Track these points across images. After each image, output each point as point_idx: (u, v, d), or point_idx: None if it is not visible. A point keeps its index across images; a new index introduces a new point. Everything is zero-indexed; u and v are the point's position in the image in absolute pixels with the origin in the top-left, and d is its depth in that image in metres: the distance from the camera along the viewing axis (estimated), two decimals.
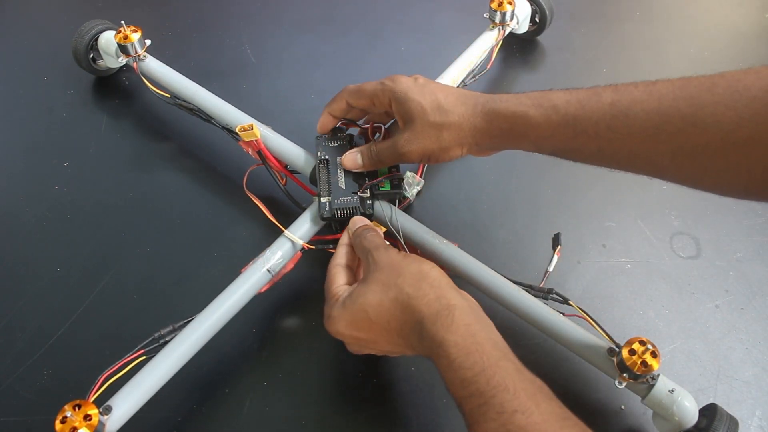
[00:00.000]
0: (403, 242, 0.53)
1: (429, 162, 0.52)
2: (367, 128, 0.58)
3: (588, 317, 0.49)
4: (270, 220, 0.56)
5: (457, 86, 0.66)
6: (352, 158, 0.54)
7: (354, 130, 0.59)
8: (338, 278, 0.48)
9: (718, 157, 0.38)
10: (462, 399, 0.37)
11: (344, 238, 0.51)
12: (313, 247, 0.55)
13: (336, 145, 0.57)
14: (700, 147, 0.38)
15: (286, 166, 0.60)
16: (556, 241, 0.55)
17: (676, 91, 0.39)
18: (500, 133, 0.47)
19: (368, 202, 0.54)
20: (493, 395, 0.36)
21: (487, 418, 0.35)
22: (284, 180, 0.60)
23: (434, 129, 0.48)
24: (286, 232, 0.54)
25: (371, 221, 0.56)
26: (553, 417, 0.35)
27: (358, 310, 0.43)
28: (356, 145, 0.57)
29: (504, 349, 0.39)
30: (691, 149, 0.39)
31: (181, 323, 0.49)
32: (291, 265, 0.55)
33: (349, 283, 0.48)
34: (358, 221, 0.52)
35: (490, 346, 0.39)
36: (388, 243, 0.49)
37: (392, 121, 0.58)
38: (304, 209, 0.57)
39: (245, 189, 0.61)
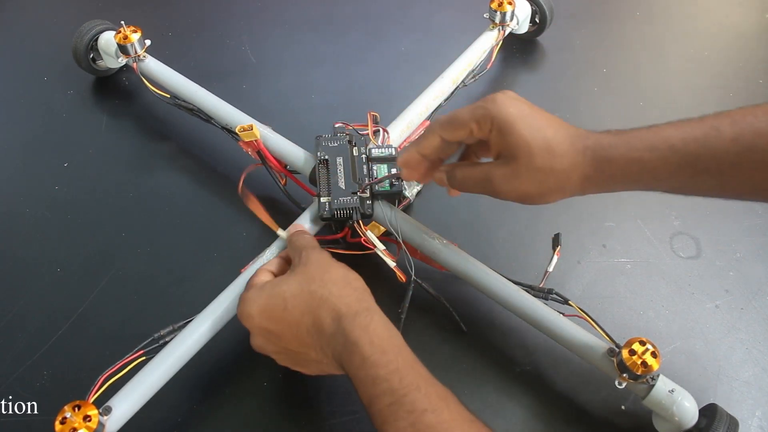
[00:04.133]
0: (402, 242, 0.53)
1: (523, 203, 0.45)
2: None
3: (588, 317, 0.49)
4: (266, 222, 0.56)
5: (457, 87, 0.66)
6: (436, 176, 0.48)
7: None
8: (261, 275, 0.48)
9: None
10: (372, 398, 0.38)
11: (282, 252, 0.52)
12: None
13: (336, 145, 0.57)
14: None
15: (285, 166, 0.60)
16: (556, 241, 0.55)
17: None
18: (610, 180, 0.42)
19: (368, 202, 0.54)
20: (404, 394, 0.37)
21: (397, 417, 0.36)
22: (284, 180, 0.60)
23: (539, 173, 0.42)
24: (281, 232, 0.54)
25: (371, 221, 0.56)
26: (461, 417, 0.37)
27: (275, 295, 0.43)
28: (356, 145, 0.57)
29: (416, 358, 0.40)
30: None
31: (180, 323, 0.49)
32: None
33: None
34: (296, 227, 0.53)
35: (406, 350, 0.40)
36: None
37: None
38: (303, 209, 0.57)
39: (239, 191, 0.60)
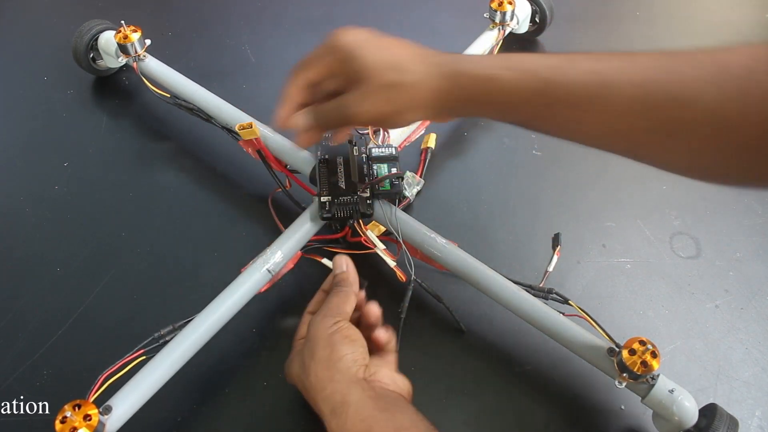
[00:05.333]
0: (402, 242, 0.53)
1: (383, 126, 0.47)
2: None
3: (588, 317, 0.49)
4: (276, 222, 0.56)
5: None
6: (295, 118, 0.47)
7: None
8: (302, 328, 0.49)
9: (697, 135, 0.35)
10: None
11: (325, 284, 0.51)
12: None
13: (336, 144, 0.57)
14: (682, 123, 0.36)
15: (285, 166, 0.60)
16: (556, 241, 0.55)
17: (660, 64, 0.36)
18: (464, 97, 0.42)
19: (368, 201, 0.54)
20: None
21: None
22: (288, 184, 0.59)
23: (388, 89, 0.42)
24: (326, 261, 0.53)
25: (371, 221, 0.56)
26: None
27: (289, 374, 0.47)
28: (356, 145, 0.57)
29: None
30: (671, 125, 0.36)
31: (181, 323, 0.49)
32: (291, 265, 0.55)
33: None
34: (341, 264, 0.49)
35: None
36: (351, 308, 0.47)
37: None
38: (304, 209, 0.57)
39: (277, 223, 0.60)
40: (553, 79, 0.38)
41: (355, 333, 0.44)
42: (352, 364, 0.42)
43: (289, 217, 0.57)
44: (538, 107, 0.39)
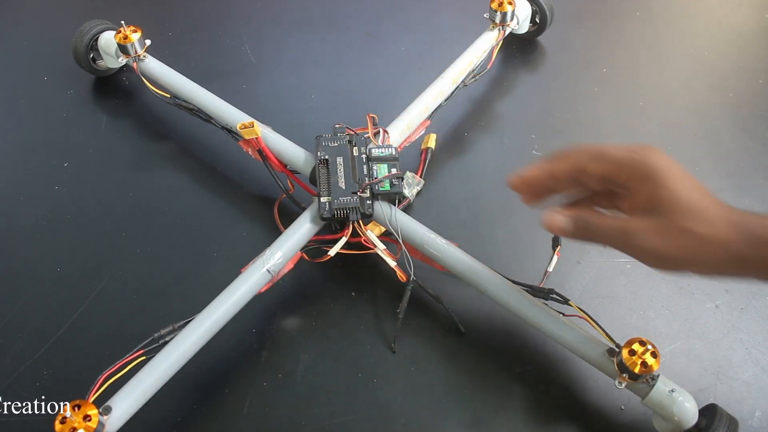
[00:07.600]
0: (402, 242, 0.53)
1: (654, 267, 0.40)
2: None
3: (588, 317, 0.49)
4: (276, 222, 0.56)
5: (457, 87, 0.66)
6: (558, 220, 0.41)
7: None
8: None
9: None
10: None
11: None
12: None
13: (336, 145, 0.57)
14: None
15: (286, 166, 0.60)
16: (556, 241, 0.55)
17: None
18: (760, 265, 0.37)
19: (368, 202, 0.54)
20: None
21: None
22: (292, 187, 0.59)
23: (683, 234, 0.37)
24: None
25: (371, 221, 0.56)
26: None
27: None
28: (356, 145, 0.57)
29: None
30: None
31: (181, 323, 0.49)
32: (291, 265, 0.55)
33: None
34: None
35: None
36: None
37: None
38: (304, 209, 0.57)
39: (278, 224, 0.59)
40: None
41: None
42: None
43: (289, 217, 0.57)
44: None
